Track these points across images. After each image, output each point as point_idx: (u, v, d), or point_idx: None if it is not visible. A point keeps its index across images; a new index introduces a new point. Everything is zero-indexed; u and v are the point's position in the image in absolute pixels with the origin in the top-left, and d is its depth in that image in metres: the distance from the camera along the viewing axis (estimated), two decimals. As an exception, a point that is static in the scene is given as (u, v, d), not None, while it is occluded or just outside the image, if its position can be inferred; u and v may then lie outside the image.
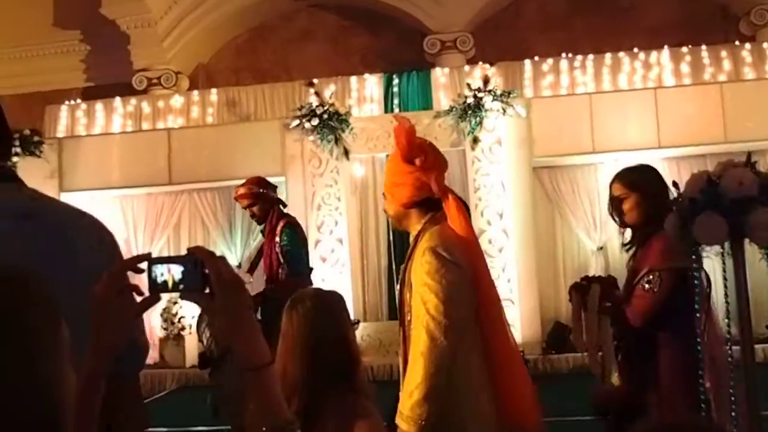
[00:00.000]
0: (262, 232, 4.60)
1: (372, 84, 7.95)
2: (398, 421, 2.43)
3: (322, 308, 2.08)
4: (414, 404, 2.41)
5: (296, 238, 4.43)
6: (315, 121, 7.21)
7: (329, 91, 7.61)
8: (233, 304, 1.10)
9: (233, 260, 7.60)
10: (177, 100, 8.26)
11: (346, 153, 7.26)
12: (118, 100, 8.28)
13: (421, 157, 2.66)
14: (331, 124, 7.20)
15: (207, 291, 1.10)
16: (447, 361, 2.44)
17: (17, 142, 7.66)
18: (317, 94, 7.46)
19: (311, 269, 4.83)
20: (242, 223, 7.77)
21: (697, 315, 2.84)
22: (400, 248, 7.68)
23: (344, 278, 7.14)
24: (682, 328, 2.90)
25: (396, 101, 7.94)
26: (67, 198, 7.65)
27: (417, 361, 2.44)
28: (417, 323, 2.50)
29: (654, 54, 7.91)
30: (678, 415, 2.77)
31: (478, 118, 7.12)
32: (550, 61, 8.00)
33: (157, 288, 1.09)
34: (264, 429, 1.09)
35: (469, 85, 7.29)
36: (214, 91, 8.31)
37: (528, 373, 2.64)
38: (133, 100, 8.35)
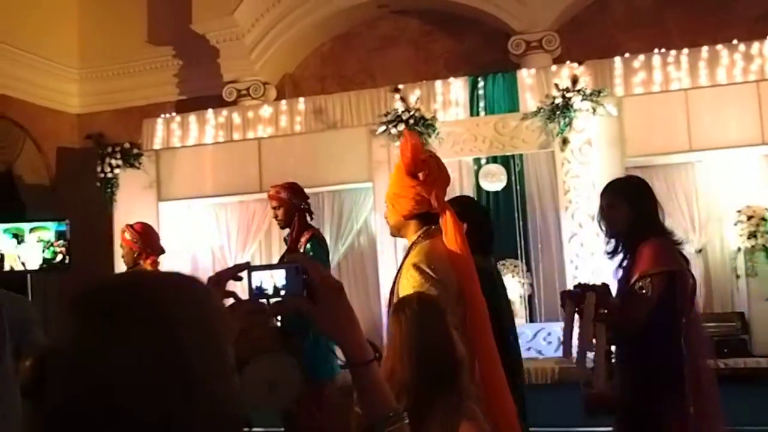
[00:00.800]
0: (286, 240, 4.50)
1: (457, 87, 7.92)
2: None
3: (429, 311, 2.16)
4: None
5: (320, 252, 4.27)
6: (401, 127, 7.23)
7: (414, 96, 7.61)
8: (338, 306, 1.17)
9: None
10: (266, 110, 8.44)
11: (433, 157, 7.25)
12: (210, 111, 8.52)
13: (425, 171, 2.74)
14: (417, 129, 7.21)
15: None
16: None
17: (118, 155, 8.01)
18: (403, 99, 7.49)
19: None
20: (331, 228, 7.88)
21: (682, 316, 3.02)
22: (488, 252, 7.62)
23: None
24: (672, 329, 3.04)
25: (482, 104, 7.87)
26: (164, 207, 7.95)
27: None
28: None
29: (755, 45, 7.54)
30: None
31: (567, 119, 7.00)
32: (641, 57, 7.77)
33: (259, 295, 1.14)
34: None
35: (556, 85, 7.17)
36: (301, 99, 8.44)
37: (507, 383, 2.67)
38: (224, 112, 8.58)
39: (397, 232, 2.91)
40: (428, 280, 2.61)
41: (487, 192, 7.75)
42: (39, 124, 10.48)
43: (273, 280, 1.15)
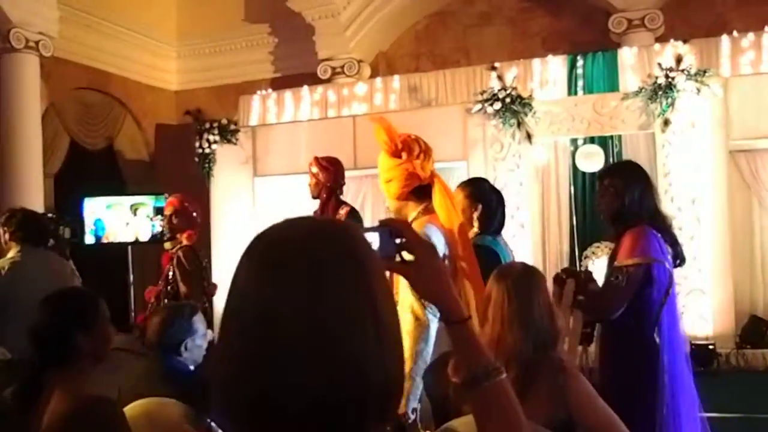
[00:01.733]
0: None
1: (555, 66, 7.76)
2: None
3: (533, 279, 2.24)
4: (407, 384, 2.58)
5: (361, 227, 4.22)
6: (497, 106, 7.15)
7: (511, 74, 7.50)
8: (434, 265, 1.18)
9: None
10: (361, 88, 8.48)
11: (529, 137, 7.15)
12: (305, 88, 8.62)
13: (406, 150, 2.93)
14: (514, 108, 7.11)
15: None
16: (429, 335, 2.69)
17: (216, 131, 8.19)
18: (499, 77, 7.38)
19: None
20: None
21: (657, 307, 3.15)
22: (582, 233, 7.49)
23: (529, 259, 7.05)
24: (646, 319, 3.17)
25: (580, 83, 7.70)
26: (260, 182, 8.10)
27: (404, 340, 2.45)
28: (403, 306, 2.68)
29: None
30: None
31: (669, 99, 6.76)
32: (751, 36, 7.43)
33: None
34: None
35: (659, 64, 6.93)
36: (396, 77, 8.44)
37: None
38: (319, 89, 8.66)
39: (399, 214, 3.01)
40: None
41: (584, 173, 7.59)
42: (138, 101, 10.83)
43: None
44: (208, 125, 8.34)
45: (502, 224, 3.84)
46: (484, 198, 3.78)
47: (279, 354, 0.77)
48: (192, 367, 2.88)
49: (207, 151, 8.31)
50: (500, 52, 8.92)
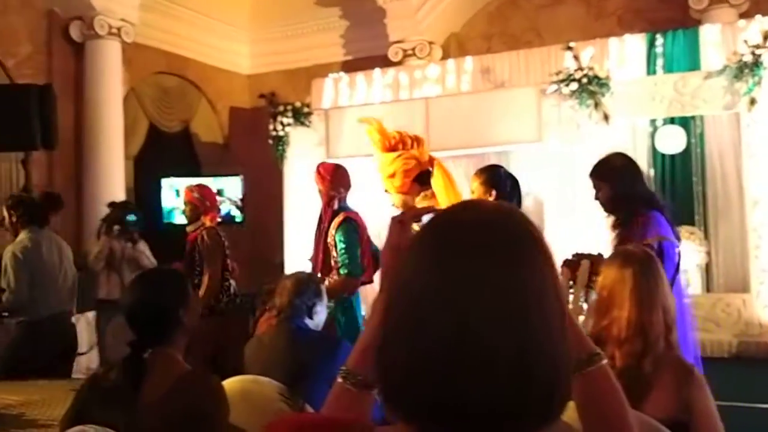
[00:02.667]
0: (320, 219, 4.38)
1: (633, 45, 7.57)
2: None
3: (656, 263, 2.27)
4: None
5: (354, 236, 4.10)
6: (573, 86, 7.03)
7: (587, 54, 7.36)
8: None
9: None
10: (433, 70, 8.44)
11: (606, 118, 7.01)
12: (377, 71, 8.63)
13: (400, 143, 3.10)
14: (591, 88, 6.98)
15: None
16: None
17: (289, 114, 8.29)
18: (575, 57, 7.25)
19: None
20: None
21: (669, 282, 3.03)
22: (661, 217, 7.31)
23: (602, 247, 6.92)
24: None
25: (659, 62, 7.48)
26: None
27: None
28: None
29: None
30: None
31: (756, 78, 6.53)
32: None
33: None
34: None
35: (745, 41, 6.69)
36: (468, 59, 8.37)
37: None
38: (391, 71, 8.66)
39: (405, 207, 3.15)
40: None
41: (663, 155, 7.41)
42: (213, 84, 11.04)
43: None
44: (281, 108, 8.44)
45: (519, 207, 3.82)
46: (498, 184, 3.89)
47: (474, 354, 0.73)
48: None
49: (281, 133, 8.42)
50: (574, 31, 8.75)
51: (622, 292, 2.19)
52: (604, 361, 1.15)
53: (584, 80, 7.00)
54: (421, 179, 3.17)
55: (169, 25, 9.96)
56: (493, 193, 3.82)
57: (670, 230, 3.47)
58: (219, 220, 5.48)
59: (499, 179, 3.94)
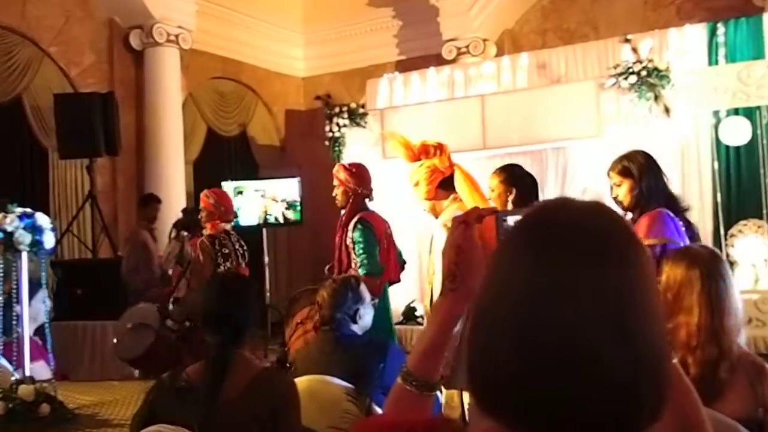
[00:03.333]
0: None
1: (693, 35, 7.37)
2: None
3: (723, 262, 2.21)
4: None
5: (367, 233, 4.20)
6: (632, 79, 6.89)
7: (646, 46, 7.21)
8: None
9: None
10: (488, 67, 8.38)
11: (667, 111, 6.85)
12: (431, 69, 8.60)
13: (423, 153, 3.23)
14: (650, 80, 6.83)
15: None
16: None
17: (345, 115, 8.33)
18: (634, 50, 7.11)
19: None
20: (555, 185, 7.73)
21: None
22: (726, 211, 7.12)
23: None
24: None
25: (721, 52, 7.28)
26: (388, 164, 8.17)
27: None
28: (435, 286, 3.02)
29: None
30: None
31: (824, 65, 6.32)
32: None
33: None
34: None
35: (813, 27, 6.48)
36: (523, 55, 8.28)
37: None
38: (446, 69, 8.62)
39: (435, 214, 3.30)
40: None
41: (727, 147, 7.22)
42: (268, 88, 11.17)
43: None
44: (337, 109, 8.48)
45: None
46: (518, 182, 3.97)
47: (584, 358, 0.71)
48: (360, 334, 3.01)
49: (337, 134, 8.46)
50: (631, 23, 8.59)
51: (690, 295, 2.11)
52: (675, 360, 1.13)
53: (643, 73, 6.85)
54: (445, 185, 3.27)
55: (224, 31, 10.12)
56: (513, 191, 3.91)
57: (679, 231, 3.40)
58: (228, 225, 5.52)
59: (518, 177, 4.03)
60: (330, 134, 8.53)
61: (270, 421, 2.10)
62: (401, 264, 4.94)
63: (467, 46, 9.49)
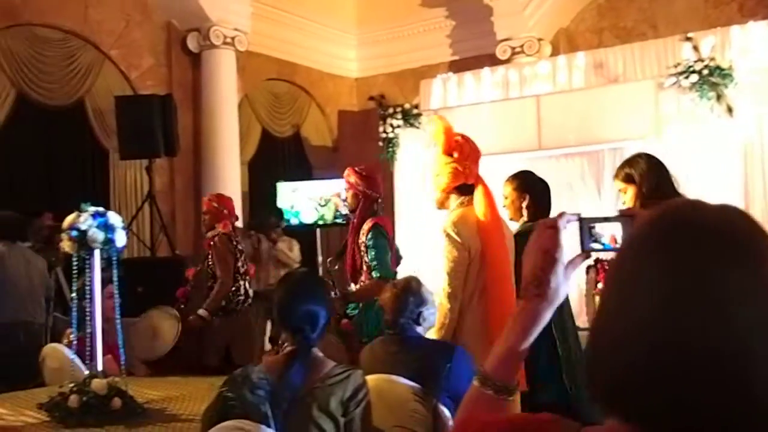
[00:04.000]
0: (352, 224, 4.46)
1: (757, 32, 7.20)
2: None
3: None
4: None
5: (381, 239, 4.18)
6: (693, 78, 6.76)
7: (707, 44, 7.06)
8: None
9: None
10: (543, 66, 8.31)
11: (730, 110, 6.70)
12: (486, 70, 8.57)
13: (458, 150, 3.27)
14: (712, 80, 6.69)
15: None
16: (450, 318, 3.23)
17: (399, 116, 8.35)
18: (695, 48, 6.98)
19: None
20: (612, 187, 7.61)
21: None
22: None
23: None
24: None
25: (787, 49, 7.10)
26: (443, 166, 8.16)
27: (437, 312, 3.18)
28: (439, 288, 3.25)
29: None
30: None
31: None
32: None
33: (590, 247, 1.13)
34: None
35: None
36: (579, 54, 8.19)
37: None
38: (501, 69, 8.58)
39: (440, 205, 3.42)
40: (452, 243, 3.22)
41: (793, 147, 7.03)
42: (322, 89, 11.25)
43: (607, 232, 1.12)
44: (391, 110, 8.50)
45: (548, 212, 4.04)
46: (531, 189, 4.01)
47: (730, 362, 0.70)
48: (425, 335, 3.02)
49: (390, 135, 8.48)
50: (691, 21, 8.44)
51: None
52: None
53: (705, 72, 6.72)
54: (461, 189, 3.35)
55: (279, 33, 10.23)
56: (526, 197, 3.95)
57: None
58: (230, 227, 5.60)
59: (530, 184, 4.05)
60: (384, 135, 8.56)
61: (342, 416, 2.13)
62: (398, 260, 5.37)
63: (522, 46, 9.43)
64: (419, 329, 2.98)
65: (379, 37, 11.19)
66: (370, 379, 2.55)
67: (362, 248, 4.23)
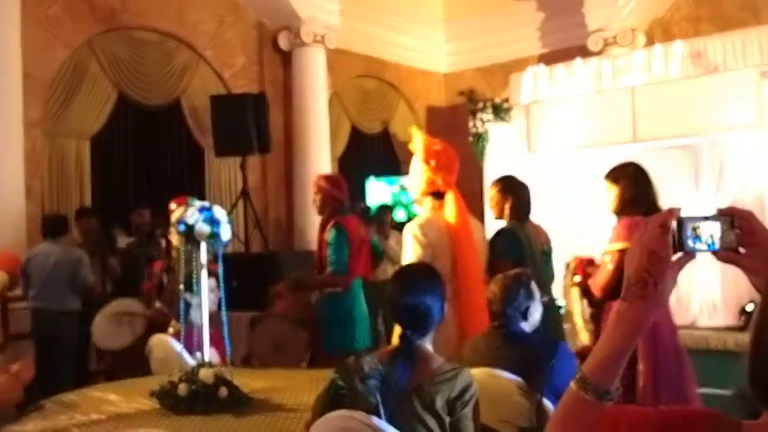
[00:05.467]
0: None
1: None
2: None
3: None
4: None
5: (340, 237, 4.66)
6: (800, 66, 6.47)
7: (816, 30, 6.73)
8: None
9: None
10: (638, 57, 8.08)
11: (839, 99, 6.38)
12: (578, 61, 8.39)
13: (436, 158, 3.66)
14: (821, 67, 6.39)
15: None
16: None
17: (489, 110, 8.28)
18: (802, 34, 6.66)
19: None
20: (710, 180, 7.35)
21: None
22: None
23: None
24: None
25: None
26: (534, 159, 8.06)
27: None
28: None
29: None
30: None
31: None
32: None
33: (690, 247, 1.08)
34: None
35: None
36: (677, 43, 7.92)
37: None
38: (593, 61, 8.39)
39: (419, 205, 3.91)
40: (417, 241, 3.62)
41: None
42: (410, 85, 11.28)
43: (705, 231, 1.08)
44: (481, 105, 8.44)
45: (528, 213, 4.47)
46: (513, 192, 4.44)
47: None
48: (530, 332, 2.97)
49: (481, 130, 8.42)
50: (797, 6, 8.06)
51: None
52: None
53: (813, 58, 6.40)
54: (435, 194, 3.75)
55: (367, 30, 10.30)
56: (510, 199, 4.39)
57: None
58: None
59: (513, 187, 4.50)
60: (474, 130, 8.50)
61: (447, 415, 2.12)
62: (378, 256, 5.86)
63: (614, 37, 9.20)
64: (524, 325, 2.94)
65: (468, 32, 11.11)
66: (473, 372, 2.54)
67: (324, 244, 4.76)
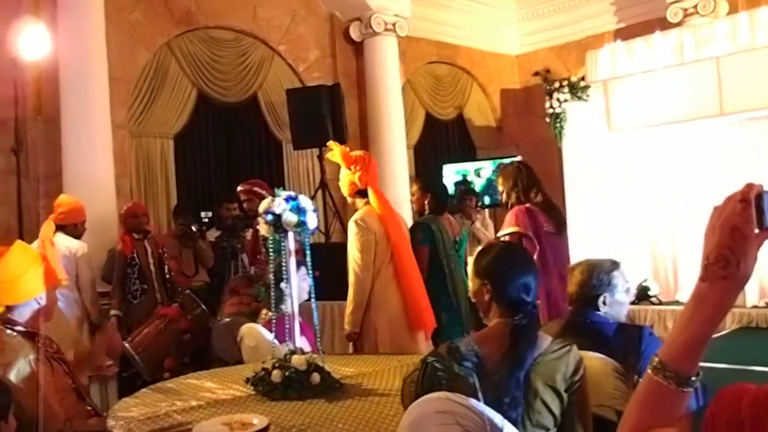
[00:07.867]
0: None
1: None
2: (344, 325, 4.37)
3: None
4: (348, 315, 4.32)
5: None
6: None
7: None
8: None
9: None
10: (722, 26, 7.77)
11: None
12: (657, 35, 8.13)
13: (355, 164, 4.28)
14: None
15: None
16: (364, 287, 4.26)
17: (566, 90, 8.11)
18: None
19: None
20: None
21: None
22: None
23: None
24: None
25: None
26: (614, 136, 7.84)
27: (349, 290, 4.29)
28: (350, 267, 4.32)
29: None
30: None
31: None
32: None
33: None
34: None
35: None
36: (764, 9, 7.56)
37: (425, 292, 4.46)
38: (674, 33, 8.11)
39: (352, 204, 4.51)
40: (360, 229, 4.24)
41: None
42: (483, 69, 11.17)
43: None
44: (557, 84, 8.27)
45: (444, 207, 5.37)
46: (433, 188, 5.39)
47: None
48: (612, 322, 2.85)
49: (558, 110, 8.26)
50: None
51: None
52: None
53: None
54: (360, 193, 4.35)
55: (438, 16, 10.25)
56: (429, 195, 5.27)
57: (526, 224, 4.80)
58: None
59: (432, 184, 5.52)
60: (551, 110, 8.35)
61: (565, 394, 2.08)
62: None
63: (695, 6, 8.88)
64: (603, 313, 2.84)
65: (540, 11, 10.93)
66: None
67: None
